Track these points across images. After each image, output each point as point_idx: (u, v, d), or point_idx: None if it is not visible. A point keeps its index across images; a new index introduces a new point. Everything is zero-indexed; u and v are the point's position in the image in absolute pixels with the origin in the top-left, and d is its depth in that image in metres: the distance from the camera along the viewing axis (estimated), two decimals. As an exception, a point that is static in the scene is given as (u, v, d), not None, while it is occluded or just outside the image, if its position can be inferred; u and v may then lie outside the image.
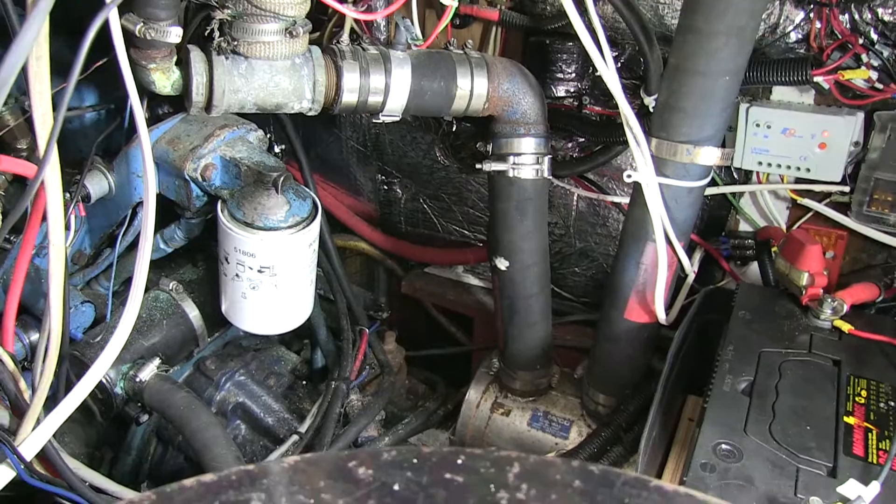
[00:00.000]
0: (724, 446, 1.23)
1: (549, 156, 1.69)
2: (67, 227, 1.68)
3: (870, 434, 1.24)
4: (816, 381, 1.36)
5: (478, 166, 1.70)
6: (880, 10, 1.54)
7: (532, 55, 1.96)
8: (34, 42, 0.90)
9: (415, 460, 0.55)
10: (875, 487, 1.10)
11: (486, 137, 1.72)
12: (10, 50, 0.87)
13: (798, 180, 1.79)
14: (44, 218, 1.14)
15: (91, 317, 1.89)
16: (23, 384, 1.34)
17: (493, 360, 2.04)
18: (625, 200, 2.01)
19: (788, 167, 1.75)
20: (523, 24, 1.89)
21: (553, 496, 0.52)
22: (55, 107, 1.01)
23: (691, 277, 1.75)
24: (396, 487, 0.52)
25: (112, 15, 1.07)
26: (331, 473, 0.54)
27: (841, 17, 1.57)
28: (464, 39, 1.71)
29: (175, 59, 1.50)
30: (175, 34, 1.38)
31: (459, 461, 0.55)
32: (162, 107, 1.93)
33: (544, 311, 1.86)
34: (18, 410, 1.33)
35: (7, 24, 1.08)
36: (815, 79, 1.60)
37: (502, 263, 1.76)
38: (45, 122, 0.99)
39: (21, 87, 1.69)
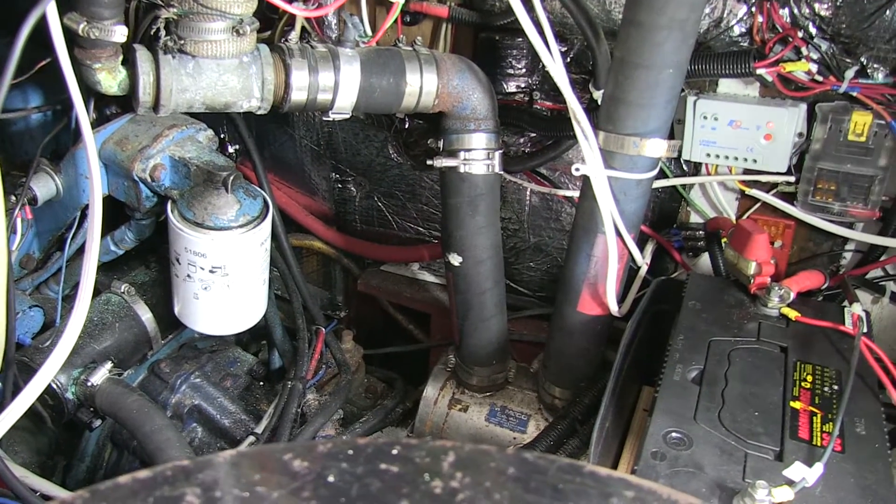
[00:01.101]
0: (674, 434, 1.24)
1: (500, 151, 1.70)
2: (13, 231, 1.66)
3: (814, 417, 1.27)
4: (764, 367, 1.39)
5: (429, 162, 1.70)
6: (817, 5, 1.57)
7: (482, 51, 1.97)
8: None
9: (350, 452, 0.55)
10: (818, 469, 1.13)
11: (437, 134, 1.72)
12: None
13: (746, 171, 1.83)
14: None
15: (40, 322, 1.86)
16: (-33, 391, 1.32)
17: (450, 357, 2.05)
18: (577, 194, 2.03)
19: (736, 158, 1.78)
20: (473, 21, 1.91)
21: (487, 483, 0.53)
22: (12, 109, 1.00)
23: (644, 269, 1.78)
24: (331, 479, 0.53)
25: (51, 13, 1.05)
26: (266, 466, 0.54)
27: (781, 11, 1.60)
28: (413, 36, 1.71)
29: (121, 58, 1.48)
30: (120, 33, 1.36)
31: (394, 452, 0.55)
32: (110, 107, 1.90)
33: (499, 306, 1.87)
34: (-37, 418, 1.30)
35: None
36: (759, 71, 1.63)
37: (455, 259, 1.77)
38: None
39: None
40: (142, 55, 1.44)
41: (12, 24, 1.66)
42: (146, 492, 0.52)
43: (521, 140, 2.04)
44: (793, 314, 1.51)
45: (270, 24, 1.96)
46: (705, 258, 1.96)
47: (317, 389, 1.98)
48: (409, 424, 2.09)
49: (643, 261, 1.71)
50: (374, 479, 0.52)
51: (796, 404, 1.29)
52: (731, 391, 1.32)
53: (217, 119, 1.80)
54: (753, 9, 1.64)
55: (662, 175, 1.89)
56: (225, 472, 0.54)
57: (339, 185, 2.41)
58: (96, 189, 1.21)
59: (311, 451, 0.55)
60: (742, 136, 1.75)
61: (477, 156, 1.66)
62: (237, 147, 1.94)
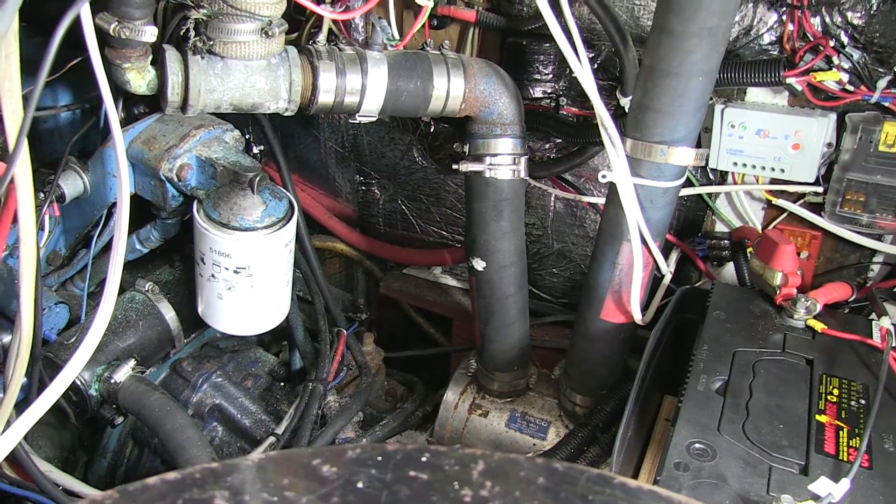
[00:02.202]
0: (697, 445, 1.23)
1: (526, 156, 1.69)
2: (41, 228, 1.67)
3: (841, 432, 1.25)
4: (789, 380, 1.37)
5: (454, 167, 1.70)
6: (850, 14, 1.56)
7: (509, 56, 1.96)
8: (3, 39, 0.89)
9: (379, 458, 0.55)
10: (845, 484, 1.11)
11: (463, 138, 1.72)
12: (-23, 48, 0.86)
13: (773, 181, 1.81)
14: (15, 218, 1.13)
15: (65, 318, 1.87)
16: (-6, 386, 1.33)
17: (471, 361, 2.04)
18: (602, 201, 2.02)
19: (763, 168, 1.76)
20: (500, 26, 1.90)
21: (517, 493, 0.52)
22: (26, 105, 1.01)
23: (668, 278, 1.76)
24: (360, 485, 0.52)
25: (85, 13, 1.06)
26: (295, 471, 0.54)
27: (812, 19, 1.59)
28: (441, 40, 1.71)
29: (151, 58, 1.49)
30: (150, 33, 1.37)
31: (424, 459, 0.55)
32: (138, 106, 1.92)
33: (521, 312, 1.87)
34: (-12, 413, 1.31)
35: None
36: (788, 80, 1.61)
37: (479, 264, 1.76)
38: (14, 120, 0.98)
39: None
40: (171, 55, 1.45)
41: (42, 24, 1.68)
42: (175, 493, 0.52)
43: (547, 146, 2.04)
44: (819, 326, 1.49)
45: (297, 25, 1.96)
46: (729, 268, 1.94)
47: (337, 391, 1.98)
48: (429, 428, 2.08)
49: (667, 269, 1.70)
50: (404, 486, 0.52)
51: (822, 418, 1.28)
52: (755, 403, 1.31)
53: (242, 120, 1.81)
54: (784, 17, 1.62)
55: (688, 183, 1.87)
56: (253, 476, 0.54)
57: (363, 188, 2.41)
58: (124, 188, 1.21)
59: (339, 456, 0.55)
60: (770, 145, 1.73)
61: (503, 161, 1.66)
62: (262, 148, 1.94)
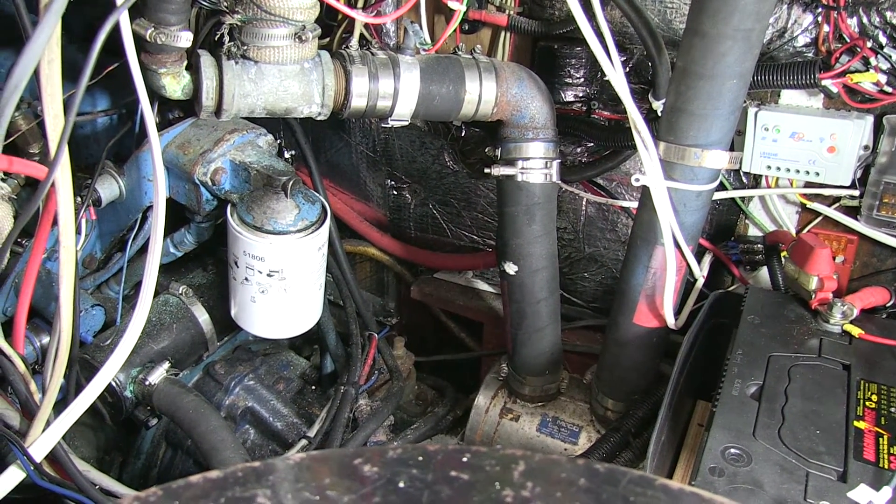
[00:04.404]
0: (732, 450, 1.22)
1: (558, 160, 1.69)
2: (78, 231, 1.70)
3: (881, 439, 1.23)
4: (826, 385, 1.35)
5: (486, 171, 1.70)
6: (889, 14, 1.54)
7: (541, 60, 1.96)
8: (46, 45, 0.91)
9: (420, 458, 0.55)
10: (887, 493, 1.09)
11: (494, 142, 1.72)
12: (22, 53, 0.88)
13: (807, 184, 1.79)
14: (55, 221, 1.15)
15: (101, 320, 1.90)
16: (33, 386, 1.35)
17: (502, 366, 2.04)
18: (633, 205, 2.01)
19: (797, 171, 1.74)
20: (532, 30, 1.90)
21: (558, 494, 0.52)
22: (66, 110, 1.02)
23: (700, 282, 1.75)
24: (401, 485, 0.53)
25: (123, 19, 1.07)
26: (336, 470, 0.54)
27: (849, 20, 1.57)
28: (473, 44, 1.71)
29: (185, 63, 1.51)
30: (185, 39, 1.39)
31: (465, 459, 0.55)
32: (172, 111, 1.94)
33: (553, 316, 1.86)
34: (29, 413, 1.34)
35: (20, 29, 1.08)
36: (824, 82, 1.59)
37: (511, 268, 1.76)
38: (56, 125, 1.00)
39: (34, 92, 1.71)
40: (205, 60, 1.47)
41: (77, 30, 1.70)
42: (217, 491, 0.53)
43: (578, 150, 2.03)
44: (856, 331, 1.47)
45: (329, 30, 1.98)
46: (762, 272, 1.92)
47: (368, 395, 1.99)
48: (460, 432, 2.09)
49: (700, 273, 1.69)
50: (445, 486, 0.52)
51: (860, 424, 1.26)
52: (791, 408, 1.29)
53: (274, 124, 1.82)
54: (820, 18, 1.60)
55: (721, 187, 1.86)
56: (295, 475, 0.54)
57: (395, 192, 2.42)
58: (160, 192, 1.23)
59: (381, 456, 0.55)
60: (804, 148, 1.71)
61: (535, 165, 1.66)
62: (293, 152, 1.96)
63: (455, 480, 0.52)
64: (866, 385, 1.35)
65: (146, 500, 0.53)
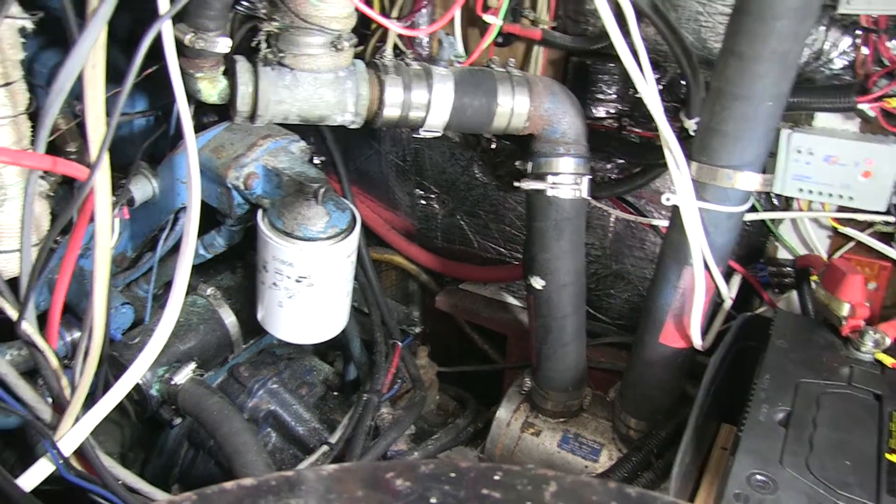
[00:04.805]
0: (758, 477, 1.20)
1: (588, 176, 1.69)
2: (112, 230, 1.72)
3: (915, 473, 1.21)
4: (857, 415, 1.33)
5: (516, 184, 1.70)
6: (930, 39, 1.52)
7: (573, 75, 1.96)
8: (91, 50, 0.92)
9: (452, 474, 0.55)
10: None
11: (525, 156, 1.72)
12: (68, 57, 0.89)
13: (840, 208, 1.77)
14: (90, 220, 1.16)
15: (130, 319, 1.91)
16: (65, 382, 1.36)
17: (526, 380, 2.04)
18: (662, 223, 2.01)
19: (830, 195, 1.72)
20: (566, 45, 1.90)
21: (589, 516, 0.52)
22: (108, 116, 1.04)
23: (728, 304, 1.74)
24: (433, 500, 0.53)
25: (166, 25, 1.09)
26: (368, 483, 0.55)
27: (888, 43, 1.56)
28: (506, 58, 1.72)
29: (222, 68, 1.53)
30: (223, 44, 1.41)
31: (497, 477, 0.55)
32: (207, 115, 1.96)
33: (578, 332, 1.86)
34: (59, 407, 1.35)
35: (65, 30, 1.10)
36: (860, 106, 1.58)
37: (538, 282, 1.76)
38: (97, 127, 1.02)
39: (73, 92, 1.74)
40: (242, 66, 1.49)
41: (119, 33, 1.72)
42: (251, 499, 0.53)
43: (608, 166, 2.03)
44: (889, 361, 1.45)
45: (363, 39, 1.99)
46: (791, 296, 1.90)
47: (390, 403, 1.99)
48: (480, 445, 2.08)
49: (729, 295, 1.68)
50: (477, 503, 0.52)
51: (893, 457, 1.24)
52: (820, 437, 1.27)
53: (305, 129, 1.84)
54: (858, 41, 1.59)
55: (752, 208, 1.84)
56: (327, 486, 0.54)
57: (423, 202, 2.42)
58: (195, 194, 1.24)
59: (413, 470, 0.55)
60: (838, 172, 1.70)
61: (565, 180, 1.66)
62: (323, 159, 1.97)
63: (487, 498, 0.52)
64: (898, 416, 1.33)
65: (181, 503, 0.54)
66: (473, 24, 2.04)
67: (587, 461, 1.89)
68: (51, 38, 1.97)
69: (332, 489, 0.54)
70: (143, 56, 0.96)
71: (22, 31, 1.21)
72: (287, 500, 0.52)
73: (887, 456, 1.24)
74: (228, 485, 0.54)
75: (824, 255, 1.85)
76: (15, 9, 1.12)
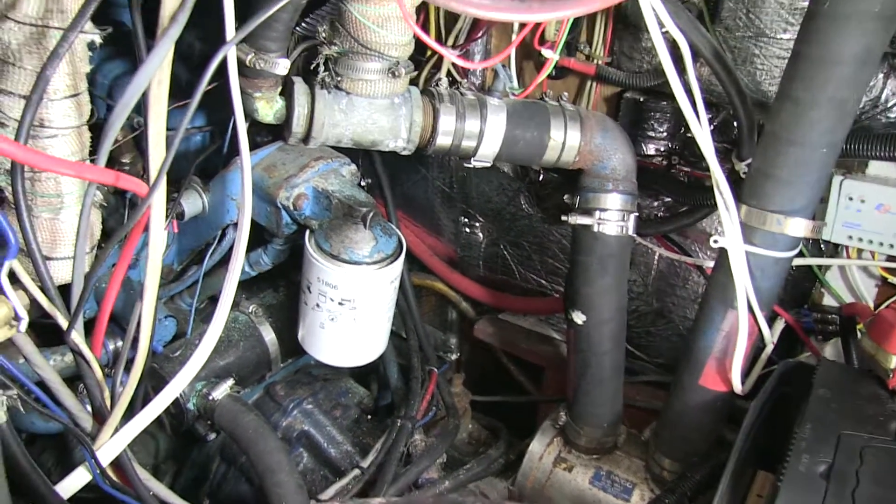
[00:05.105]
0: (797, 529, 1.18)
1: (635, 213, 1.68)
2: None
3: (960, 537, 1.18)
4: (902, 471, 1.30)
5: (563, 218, 1.70)
6: None
7: (625, 111, 1.96)
8: (158, 67, 0.95)
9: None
10: None
11: (573, 190, 1.72)
12: (137, 73, 0.92)
13: (890, 258, 1.75)
14: (143, 232, 1.19)
15: (172, 331, 1.94)
16: (107, 392, 1.38)
17: (561, 414, 2.02)
18: (707, 264, 1.99)
19: (881, 244, 1.70)
20: (619, 80, 1.90)
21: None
22: (169, 142, 1.06)
23: (770, 349, 1.72)
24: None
25: (230, 52, 1.11)
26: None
27: (947, 94, 1.54)
28: (558, 91, 1.72)
29: (279, 89, 1.55)
30: (283, 66, 1.43)
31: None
32: (261, 134, 1.99)
33: (617, 369, 1.84)
34: (100, 417, 1.37)
35: (133, 45, 1.13)
36: (916, 156, 1.56)
37: (579, 317, 1.75)
38: (158, 143, 1.04)
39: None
40: (299, 88, 1.51)
41: (179, 48, 1.76)
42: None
43: (655, 203, 2.02)
44: (937, 417, 1.42)
45: (417, 65, 2.01)
46: (834, 344, 1.87)
47: (424, 430, 1.99)
48: (511, 477, 2.06)
49: (771, 340, 1.66)
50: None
51: (938, 517, 1.21)
52: (862, 492, 1.24)
53: (355, 152, 1.86)
54: (917, 91, 1.58)
55: (798, 253, 1.82)
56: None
57: (467, 230, 2.43)
58: (246, 211, 1.25)
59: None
60: (890, 221, 1.68)
61: (612, 216, 1.65)
62: (369, 181, 1.99)
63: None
64: (945, 476, 1.30)
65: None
66: (528, 56, 2.05)
67: (619, 500, 1.86)
68: (113, 51, 2.02)
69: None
70: (208, 78, 0.98)
71: (91, 45, 1.25)
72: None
73: (934, 517, 1.21)
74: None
75: (871, 305, 1.82)
76: (87, 24, 1.15)
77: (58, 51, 0.99)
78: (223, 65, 1.12)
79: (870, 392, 1.52)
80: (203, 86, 0.96)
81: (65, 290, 1.30)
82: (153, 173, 1.01)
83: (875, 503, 1.22)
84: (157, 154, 1.02)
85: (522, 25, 1.76)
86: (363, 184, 1.92)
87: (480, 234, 2.42)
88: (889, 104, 1.63)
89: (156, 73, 0.97)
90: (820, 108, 1.31)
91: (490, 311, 2.52)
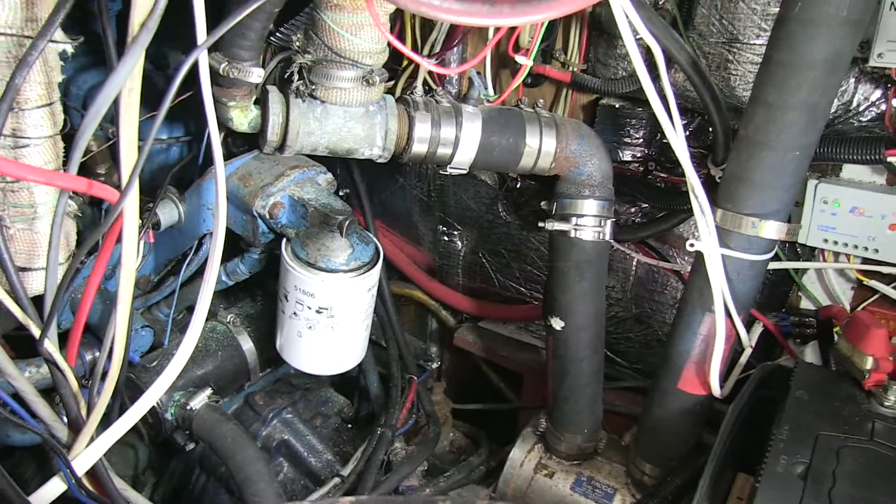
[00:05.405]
0: (775, 529, 1.19)
1: (612, 219, 1.69)
2: (137, 253, 1.73)
3: (939, 536, 1.19)
4: (879, 471, 1.31)
5: (540, 224, 1.71)
6: (961, 94, 1.52)
7: (601, 118, 1.97)
8: (129, 75, 0.94)
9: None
10: None
11: (549, 196, 1.72)
12: (106, 81, 0.91)
13: (865, 261, 1.76)
14: (117, 242, 1.18)
15: (149, 342, 1.93)
16: (82, 402, 1.37)
17: (541, 420, 2.02)
18: (684, 269, 2.00)
19: (855, 247, 1.72)
20: (594, 87, 1.91)
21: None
22: (140, 137, 1.05)
23: (748, 352, 1.73)
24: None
25: (202, 57, 1.11)
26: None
27: (919, 98, 1.56)
28: (534, 98, 1.73)
29: (254, 98, 1.55)
30: (257, 74, 1.43)
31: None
32: (236, 143, 1.98)
33: (596, 375, 1.84)
34: (75, 427, 1.36)
35: (104, 54, 1.13)
36: (889, 158, 1.57)
37: (557, 323, 1.75)
38: (130, 150, 1.03)
39: (105, 115, 1.76)
40: (274, 97, 1.51)
41: (150, 55, 1.74)
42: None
43: (632, 210, 2.03)
44: (912, 416, 1.43)
45: (394, 75, 2.01)
46: (812, 346, 1.89)
47: (404, 438, 1.98)
48: (492, 484, 2.06)
49: (749, 343, 1.66)
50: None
51: (916, 516, 1.21)
52: (839, 492, 1.25)
53: (331, 161, 1.86)
54: (889, 94, 1.59)
55: (775, 257, 1.84)
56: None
57: (445, 238, 2.43)
58: (221, 220, 1.25)
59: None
60: (864, 224, 1.69)
61: (588, 222, 1.66)
62: (347, 191, 1.98)
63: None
64: (921, 475, 1.31)
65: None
66: (504, 64, 2.06)
67: (600, 506, 1.87)
68: (87, 61, 2.01)
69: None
70: (178, 84, 0.98)
71: (62, 54, 1.24)
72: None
73: (910, 515, 1.22)
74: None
75: (848, 307, 1.83)
76: (58, 34, 1.15)
77: (27, 59, 0.99)
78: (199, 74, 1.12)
79: (847, 393, 1.53)
80: (174, 89, 0.96)
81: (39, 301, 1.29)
82: (125, 177, 1.00)
83: (852, 501, 1.23)
84: (129, 159, 1.01)
85: (497, 31, 1.77)
86: (341, 194, 1.92)
87: (459, 243, 2.42)
88: (860, 108, 1.65)
89: (127, 80, 0.96)
90: (792, 112, 1.32)
91: (470, 319, 2.52)
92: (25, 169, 1.08)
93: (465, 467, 2.09)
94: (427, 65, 1.52)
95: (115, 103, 1.01)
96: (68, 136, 1.30)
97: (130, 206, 1.07)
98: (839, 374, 1.61)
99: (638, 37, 1.31)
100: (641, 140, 1.95)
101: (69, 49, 1.23)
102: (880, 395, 1.47)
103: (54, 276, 1.25)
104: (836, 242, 1.74)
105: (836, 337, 1.74)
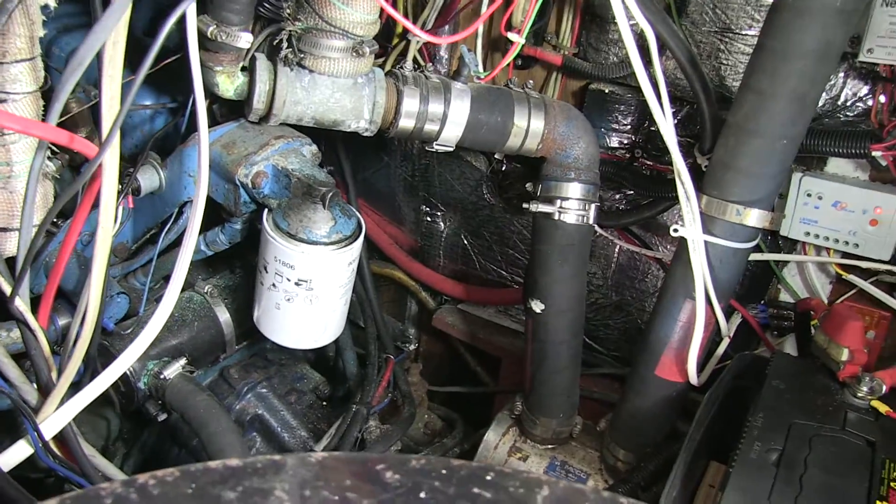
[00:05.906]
0: (746, 514, 1.19)
1: (596, 204, 1.68)
2: (115, 218, 1.71)
3: (904, 522, 1.20)
4: (849, 459, 1.32)
5: (524, 206, 1.70)
6: (948, 91, 1.53)
7: (590, 103, 1.96)
8: (114, 27, 0.92)
9: (444, 471, 0.54)
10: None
11: (534, 178, 1.71)
12: (90, 31, 0.89)
13: (845, 255, 1.77)
14: (94, 205, 1.15)
15: (125, 309, 1.90)
16: (53, 366, 1.35)
17: (517, 404, 2.02)
18: (666, 257, 2.00)
19: (836, 241, 1.73)
20: (585, 71, 1.91)
21: (580, 524, 0.51)
22: (123, 96, 1.03)
23: (725, 342, 1.73)
24: (423, 495, 0.51)
25: (190, 13, 1.09)
26: (358, 474, 0.53)
27: (906, 93, 1.56)
28: (525, 80, 1.72)
29: (241, 64, 1.53)
30: (245, 39, 1.41)
31: (489, 477, 0.54)
32: (221, 113, 1.95)
33: (574, 359, 1.84)
34: (45, 391, 1.33)
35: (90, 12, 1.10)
36: (874, 153, 1.58)
37: (537, 306, 1.75)
38: (111, 107, 1.01)
39: (89, 79, 1.73)
40: (261, 64, 1.49)
41: (139, 26, 1.71)
42: (235, 479, 0.52)
43: (617, 196, 2.03)
44: (884, 408, 1.44)
45: (384, 52, 2.00)
46: (789, 338, 1.89)
47: (379, 417, 1.97)
48: (466, 466, 2.06)
49: (727, 332, 1.67)
50: (466, 501, 0.51)
51: (883, 504, 1.22)
52: (810, 478, 1.26)
53: (316, 138, 1.84)
54: (876, 89, 1.60)
55: (757, 249, 1.84)
56: (316, 473, 0.53)
57: (428, 219, 2.41)
58: (202, 187, 1.23)
59: (404, 464, 0.54)
60: (846, 218, 1.70)
61: (572, 205, 1.65)
62: (331, 168, 1.95)
63: (477, 497, 0.51)
64: (892, 465, 1.32)
65: (163, 479, 0.52)
66: (496, 47, 2.05)
67: (573, 490, 1.86)
68: (71, 23, 1.97)
69: (320, 476, 0.53)
70: (164, 37, 0.95)
71: (44, 8, 1.21)
72: (272, 483, 0.51)
73: (878, 503, 1.23)
74: (213, 463, 0.53)
75: (825, 300, 1.84)
76: (41, -16, 1.12)
77: (6, 5, 0.96)
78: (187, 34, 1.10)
79: (821, 384, 1.54)
80: (158, 43, 0.94)
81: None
82: (105, 131, 0.98)
83: (822, 488, 1.24)
84: (111, 114, 0.99)
85: (490, 4, 1.75)
86: (325, 171, 1.89)
87: (441, 224, 2.40)
88: (848, 103, 1.66)
89: (112, 33, 0.94)
90: (781, 100, 1.32)
91: (449, 301, 2.52)
92: (2, 116, 1.05)
93: (438, 448, 2.08)
94: (419, 34, 1.50)
95: (99, 57, 0.99)
96: (49, 94, 1.28)
97: (110, 161, 1.05)
98: (815, 365, 1.62)
99: (632, 22, 1.30)
100: (629, 127, 1.95)
101: (52, 3, 1.21)
102: (854, 387, 1.48)
103: (28, 236, 1.23)
104: (817, 236, 1.75)
105: (812, 330, 1.75)
